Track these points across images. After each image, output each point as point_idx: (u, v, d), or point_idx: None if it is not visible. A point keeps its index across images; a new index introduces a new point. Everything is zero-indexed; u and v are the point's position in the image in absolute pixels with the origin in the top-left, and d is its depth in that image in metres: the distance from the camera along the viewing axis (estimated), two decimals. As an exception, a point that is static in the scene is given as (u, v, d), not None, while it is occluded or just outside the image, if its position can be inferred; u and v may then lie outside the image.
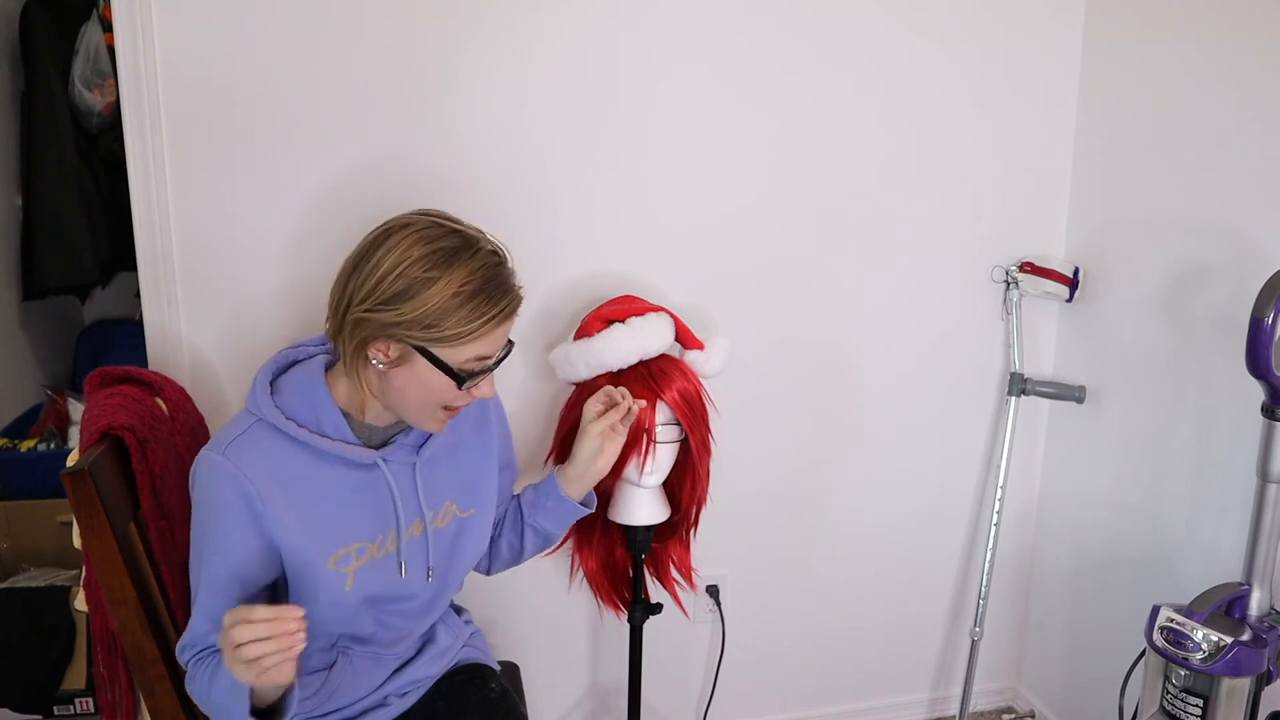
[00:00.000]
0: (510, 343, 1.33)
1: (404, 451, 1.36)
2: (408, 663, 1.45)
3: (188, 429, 1.51)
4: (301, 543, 1.28)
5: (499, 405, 1.53)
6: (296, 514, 1.28)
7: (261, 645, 1.07)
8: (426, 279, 1.21)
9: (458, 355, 1.25)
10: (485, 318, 1.23)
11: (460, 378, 1.26)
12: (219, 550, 1.25)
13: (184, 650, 1.28)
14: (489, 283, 1.24)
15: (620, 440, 1.55)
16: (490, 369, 1.30)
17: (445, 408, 1.31)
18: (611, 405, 1.56)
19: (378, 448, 1.35)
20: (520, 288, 1.29)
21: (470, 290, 1.23)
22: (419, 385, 1.27)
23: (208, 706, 1.25)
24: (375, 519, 1.34)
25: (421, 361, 1.25)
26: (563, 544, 1.91)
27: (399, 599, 1.38)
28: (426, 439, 1.39)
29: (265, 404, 1.30)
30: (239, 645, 1.07)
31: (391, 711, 1.43)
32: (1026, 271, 2.08)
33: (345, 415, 1.33)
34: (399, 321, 1.22)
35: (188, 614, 1.36)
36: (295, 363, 1.37)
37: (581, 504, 1.57)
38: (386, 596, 1.36)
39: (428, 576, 1.39)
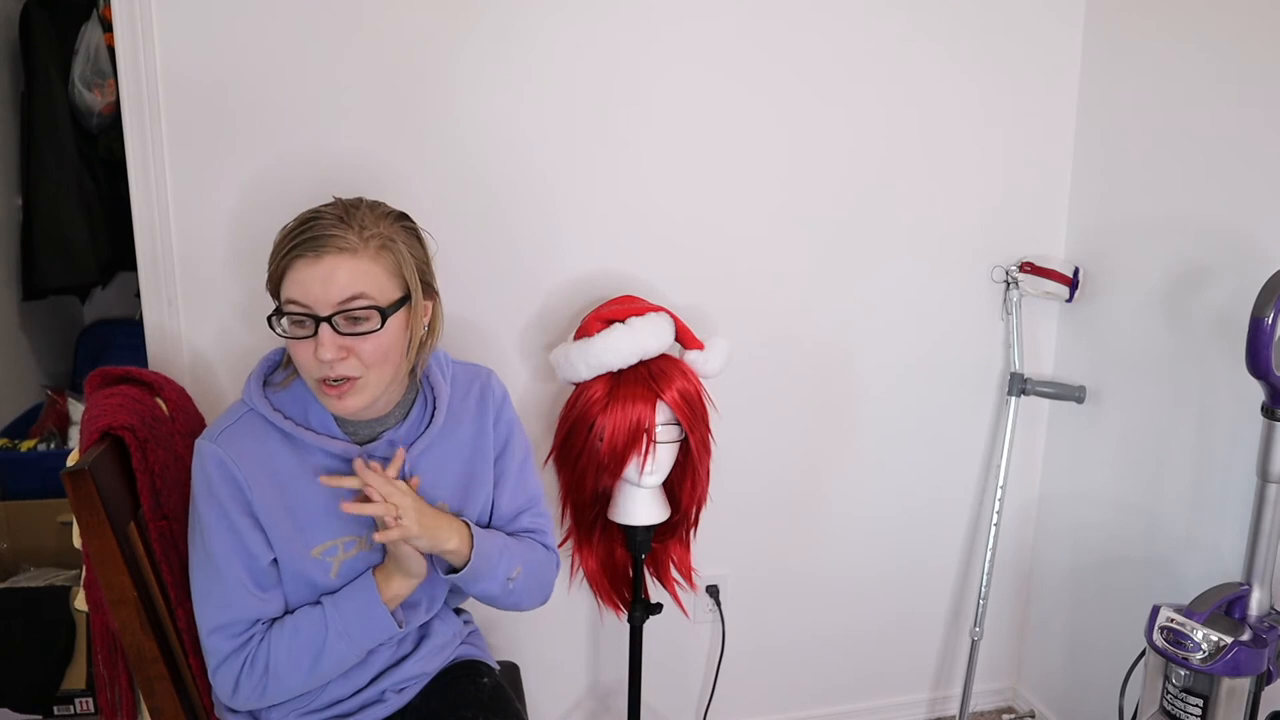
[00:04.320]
0: (361, 304, 1.23)
1: (392, 448, 1.36)
2: (404, 658, 1.45)
3: (188, 429, 1.51)
4: (285, 530, 1.31)
5: (508, 416, 1.48)
6: (282, 502, 1.30)
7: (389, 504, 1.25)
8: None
9: (280, 301, 1.26)
10: (283, 251, 1.24)
11: (271, 319, 1.26)
12: (218, 534, 1.29)
13: (224, 632, 1.29)
14: (297, 223, 1.27)
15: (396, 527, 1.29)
16: (313, 319, 1.22)
17: (321, 380, 1.26)
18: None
19: (365, 444, 1.35)
20: (340, 236, 1.22)
21: (282, 231, 1.27)
22: (292, 356, 1.29)
23: (320, 658, 1.30)
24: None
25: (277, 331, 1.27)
26: (563, 544, 1.92)
27: None
28: (417, 436, 1.38)
29: (257, 395, 1.34)
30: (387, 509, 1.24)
31: (388, 707, 1.43)
32: (1026, 271, 2.08)
33: (335, 415, 1.34)
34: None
35: (188, 614, 1.36)
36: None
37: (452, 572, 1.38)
38: None
39: None
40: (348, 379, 1.26)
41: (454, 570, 1.36)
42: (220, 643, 1.29)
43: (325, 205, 1.29)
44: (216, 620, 1.30)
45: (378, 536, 1.28)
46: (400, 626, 1.35)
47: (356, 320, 1.25)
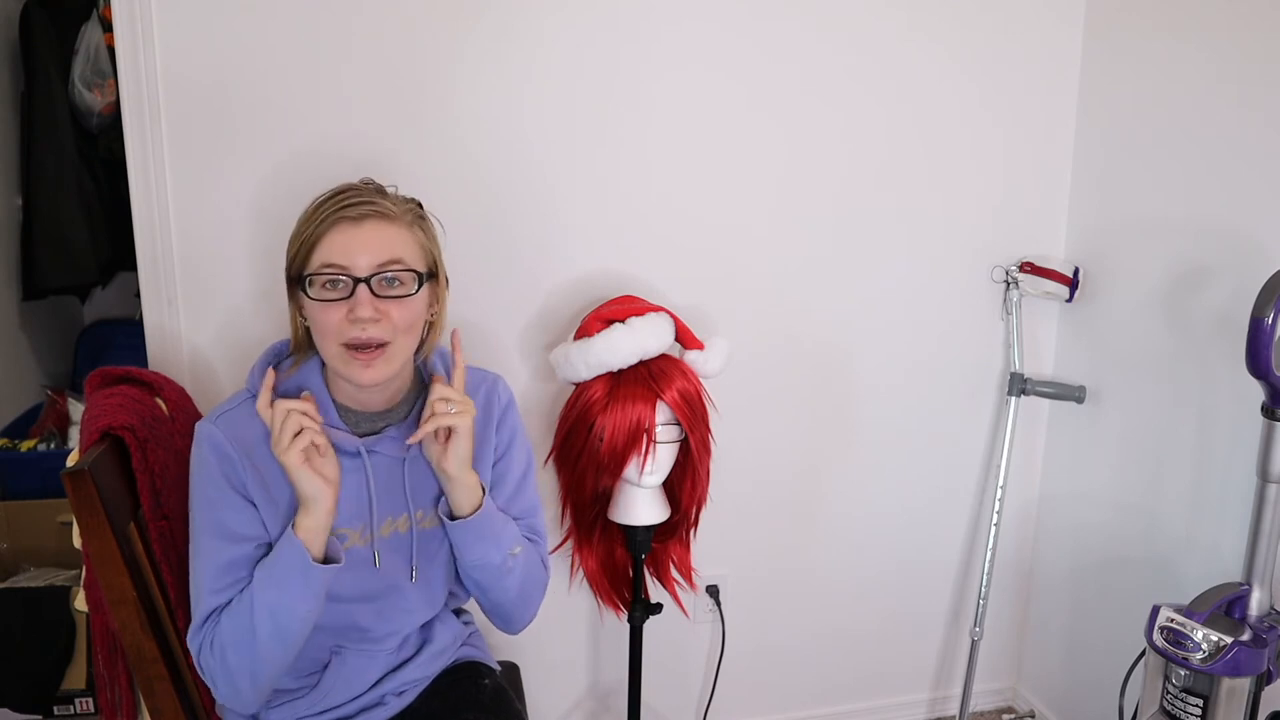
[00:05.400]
0: (399, 267, 1.25)
1: (394, 444, 1.36)
2: (405, 662, 1.45)
3: (188, 429, 1.51)
4: (275, 516, 1.30)
5: (511, 422, 1.47)
6: (275, 488, 1.30)
7: (300, 419, 1.21)
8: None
9: (310, 267, 1.26)
10: (320, 216, 1.26)
11: (306, 285, 1.25)
12: (210, 514, 1.29)
13: (199, 628, 1.29)
14: (333, 192, 1.29)
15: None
16: (351, 279, 1.23)
17: (348, 346, 1.25)
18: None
19: (366, 436, 1.35)
20: (380, 204, 1.27)
21: (315, 202, 1.29)
22: (315, 324, 1.28)
23: (255, 621, 1.24)
24: (357, 507, 1.35)
25: (304, 296, 1.28)
26: (563, 544, 1.92)
27: (378, 594, 1.38)
28: None
29: (260, 382, 1.33)
30: (286, 426, 1.20)
31: (388, 711, 1.43)
32: (1026, 271, 2.08)
33: (339, 405, 1.34)
34: (287, 268, 1.30)
35: (187, 614, 1.36)
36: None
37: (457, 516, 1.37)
38: (364, 590, 1.36)
39: (411, 576, 1.39)
40: (379, 344, 1.26)
41: (456, 517, 1.36)
42: (196, 641, 1.29)
43: (353, 182, 1.32)
44: (195, 618, 1.29)
45: (438, 421, 1.29)
46: (317, 559, 1.25)
47: (392, 283, 1.27)
